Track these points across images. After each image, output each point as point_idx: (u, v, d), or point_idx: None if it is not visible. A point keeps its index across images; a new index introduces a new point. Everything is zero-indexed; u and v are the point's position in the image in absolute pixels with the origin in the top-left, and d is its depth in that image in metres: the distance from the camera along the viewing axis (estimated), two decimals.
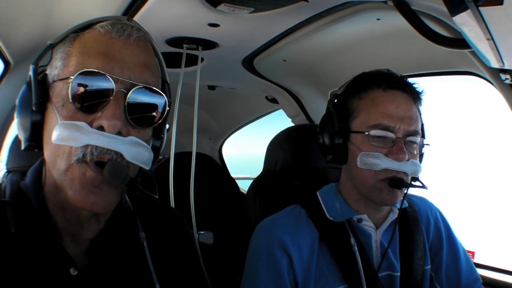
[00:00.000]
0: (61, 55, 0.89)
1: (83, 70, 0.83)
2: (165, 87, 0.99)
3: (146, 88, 0.88)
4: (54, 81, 0.88)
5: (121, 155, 0.83)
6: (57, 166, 0.85)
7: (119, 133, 0.84)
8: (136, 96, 0.86)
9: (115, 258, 0.96)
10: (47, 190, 0.91)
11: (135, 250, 1.00)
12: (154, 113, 0.91)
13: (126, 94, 0.85)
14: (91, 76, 0.83)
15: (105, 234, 0.96)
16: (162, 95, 0.91)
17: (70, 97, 0.83)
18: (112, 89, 0.83)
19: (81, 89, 0.83)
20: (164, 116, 0.93)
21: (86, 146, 0.81)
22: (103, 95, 0.83)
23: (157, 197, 0.93)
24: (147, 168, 0.90)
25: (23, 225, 0.86)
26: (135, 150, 0.85)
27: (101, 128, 0.83)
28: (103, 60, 0.84)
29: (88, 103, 0.83)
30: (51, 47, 0.92)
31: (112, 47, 0.86)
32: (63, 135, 0.81)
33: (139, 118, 0.87)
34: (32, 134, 0.88)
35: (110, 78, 0.83)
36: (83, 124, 0.82)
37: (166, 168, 1.87)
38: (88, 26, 0.90)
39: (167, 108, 0.93)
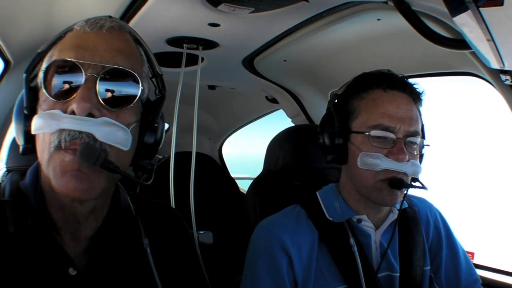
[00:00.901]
0: (47, 59, 0.92)
1: (52, 60, 0.87)
2: (158, 80, 1.00)
3: (116, 70, 0.88)
4: (41, 84, 0.89)
5: (94, 137, 0.83)
6: (43, 160, 0.86)
7: (91, 116, 0.84)
8: (107, 78, 0.86)
9: (114, 258, 0.96)
10: (44, 189, 0.92)
11: (136, 253, 1.00)
12: (128, 94, 0.90)
13: (97, 78, 0.85)
14: (61, 65, 0.86)
15: (104, 232, 0.96)
16: (135, 76, 0.90)
17: (43, 88, 0.85)
18: (81, 74, 0.84)
19: (53, 79, 0.86)
20: (138, 97, 0.92)
21: (61, 132, 0.82)
22: (73, 81, 0.85)
23: (148, 183, 0.94)
24: (125, 149, 0.88)
25: (22, 225, 0.86)
26: (107, 130, 0.84)
27: (73, 113, 0.84)
28: (76, 51, 0.87)
29: (60, 91, 0.85)
30: (40, 55, 0.94)
31: (85, 39, 0.89)
32: (38, 124, 0.84)
33: (112, 99, 0.87)
34: (26, 137, 0.89)
35: (79, 64, 0.85)
36: (56, 111, 0.83)
37: (166, 168, 1.87)
38: (69, 29, 0.93)
39: (141, 88, 0.92)
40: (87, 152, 0.81)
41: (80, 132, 0.82)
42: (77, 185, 0.84)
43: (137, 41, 0.99)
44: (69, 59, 0.85)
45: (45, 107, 0.86)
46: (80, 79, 0.84)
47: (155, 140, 0.98)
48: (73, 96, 0.84)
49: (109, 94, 0.87)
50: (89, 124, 0.83)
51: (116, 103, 0.88)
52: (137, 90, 0.91)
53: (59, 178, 0.83)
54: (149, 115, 0.97)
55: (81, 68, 0.85)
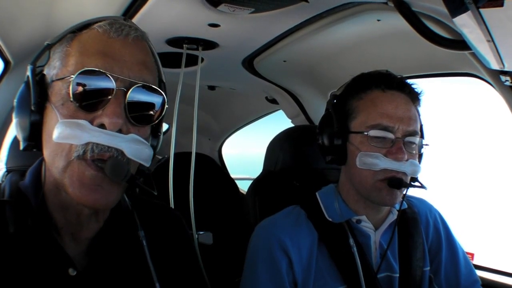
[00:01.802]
0: (59, 55, 0.89)
1: (84, 69, 0.84)
2: (162, 86, 1.00)
3: (145, 86, 0.88)
4: (52, 81, 0.88)
5: (122, 152, 0.84)
6: (56, 164, 0.85)
7: (119, 131, 0.84)
8: (135, 94, 0.87)
9: (114, 258, 0.96)
10: (47, 190, 0.92)
11: (135, 250, 1.00)
12: (153, 111, 0.92)
13: (126, 92, 0.85)
14: (92, 75, 0.84)
15: (105, 234, 0.97)
16: (161, 93, 0.92)
17: (71, 96, 0.83)
18: (113, 88, 0.84)
19: (82, 88, 0.83)
20: (162, 114, 0.94)
21: (87, 143, 0.82)
22: (103, 93, 0.84)
23: (156, 193, 0.93)
24: (147, 165, 0.91)
25: (22, 225, 0.86)
26: (135, 148, 0.86)
27: (102, 126, 0.83)
28: (103, 59, 0.85)
29: (89, 102, 0.84)
30: (49, 47, 0.92)
31: (111, 47, 0.87)
32: (64, 133, 0.82)
33: (139, 116, 0.88)
34: (31, 134, 0.88)
35: (111, 77, 0.84)
36: (84, 122, 0.82)
37: (166, 168, 1.87)
38: (85, 26, 0.91)
39: (167, 107, 0.94)
40: (117, 168, 0.82)
41: (109, 147, 0.83)
42: (97, 198, 0.85)
43: (151, 50, 0.98)
44: (100, 70, 0.83)
45: (65, 112, 0.84)
46: (110, 92, 0.84)
47: (156, 145, 0.99)
48: (102, 108, 0.84)
49: (135, 110, 0.87)
50: (119, 141, 0.83)
51: (141, 120, 0.89)
52: (160, 107, 0.93)
53: (77, 188, 0.84)
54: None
55: (112, 81, 0.84)
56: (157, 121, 0.94)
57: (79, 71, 0.83)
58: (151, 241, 1.03)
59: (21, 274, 0.83)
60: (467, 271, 1.43)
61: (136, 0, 1.46)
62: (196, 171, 1.91)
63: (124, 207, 1.05)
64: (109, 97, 0.84)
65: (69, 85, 0.83)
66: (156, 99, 0.92)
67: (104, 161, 0.83)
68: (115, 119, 0.83)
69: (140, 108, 0.88)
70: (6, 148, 1.35)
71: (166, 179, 1.86)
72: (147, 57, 0.93)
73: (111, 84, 0.84)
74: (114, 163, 0.82)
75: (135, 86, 0.86)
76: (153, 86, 0.90)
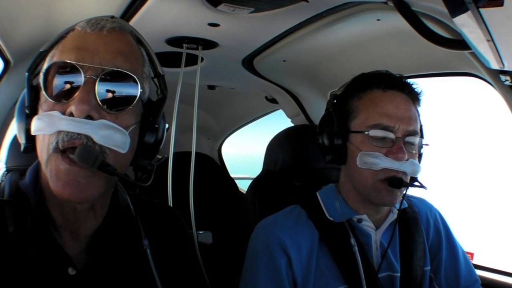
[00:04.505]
0: (48, 59, 0.92)
1: (52, 62, 0.87)
2: (159, 80, 1.00)
3: (115, 72, 0.88)
4: (41, 85, 0.89)
5: (92, 140, 0.84)
6: (42, 159, 0.87)
7: (90, 118, 0.84)
8: (106, 80, 0.87)
9: (114, 258, 0.96)
10: (44, 187, 0.92)
11: (136, 253, 1.01)
12: (127, 96, 0.90)
13: (96, 79, 0.85)
14: (61, 66, 0.86)
15: (103, 231, 0.97)
16: (134, 78, 0.90)
17: (42, 88, 0.86)
18: (80, 76, 0.85)
19: (53, 80, 0.86)
20: (139, 99, 0.92)
21: (59, 133, 0.83)
22: (72, 83, 0.85)
23: (146, 185, 0.94)
24: (123, 151, 0.88)
25: (22, 225, 0.86)
26: (105, 133, 0.85)
27: (72, 115, 0.84)
28: (76, 53, 0.87)
29: (59, 93, 0.86)
30: (42, 54, 0.94)
31: (86, 41, 0.89)
32: (37, 125, 0.85)
33: (111, 101, 0.87)
34: (27, 136, 0.90)
35: (78, 66, 0.85)
36: (55, 112, 0.84)
37: (165, 168, 1.87)
38: (71, 29, 0.94)
39: (140, 90, 0.91)
40: (85, 154, 0.82)
41: (78, 134, 0.83)
42: (72, 192, 0.84)
43: (139, 41, 0.99)
44: (68, 61, 0.85)
45: (45, 107, 0.86)
46: (79, 80, 0.85)
47: (155, 140, 0.98)
48: (72, 98, 0.84)
49: (108, 96, 0.87)
50: (87, 127, 0.83)
51: (116, 105, 0.88)
52: (136, 92, 0.91)
53: (54, 182, 0.84)
54: (149, 115, 0.97)
55: (80, 70, 0.85)
56: (134, 106, 0.91)
57: (48, 65, 0.87)
58: (152, 242, 1.03)
59: (21, 274, 0.84)
60: (467, 270, 1.43)
61: None
62: (196, 170, 1.91)
63: (124, 206, 1.05)
64: (78, 85, 0.85)
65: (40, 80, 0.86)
66: (129, 84, 0.90)
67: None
68: (81, 106, 0.83)
69: (113, 93, 0.88)
70: (6, 147, 1.35)
71: (165, 178, 1.86)
72: (124, 46, 0.93)
73: (78, 72, 0.85)
74: (82, 149, 0.82)
75: (104, 72, 0.86)
76: (125, 71, 0.89)
